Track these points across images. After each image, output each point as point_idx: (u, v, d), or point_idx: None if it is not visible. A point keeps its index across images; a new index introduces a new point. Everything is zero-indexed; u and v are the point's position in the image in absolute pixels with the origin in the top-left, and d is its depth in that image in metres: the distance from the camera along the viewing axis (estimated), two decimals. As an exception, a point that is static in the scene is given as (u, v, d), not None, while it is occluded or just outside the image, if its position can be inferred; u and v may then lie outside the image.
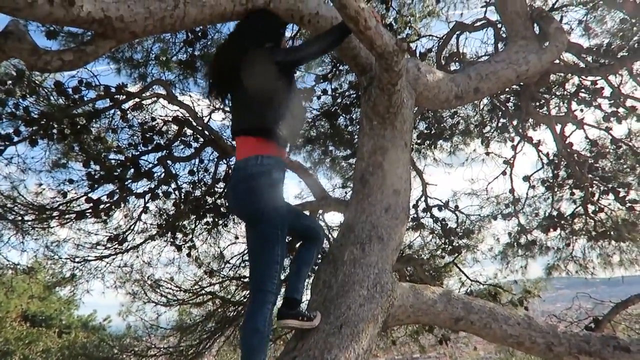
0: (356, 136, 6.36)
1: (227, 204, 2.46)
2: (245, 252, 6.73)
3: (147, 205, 5.58)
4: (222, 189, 5.99)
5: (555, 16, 4.77)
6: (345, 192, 7.11)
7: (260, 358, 2.24)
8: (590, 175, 5.82)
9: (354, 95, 6.32)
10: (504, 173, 6.58)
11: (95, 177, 5.07)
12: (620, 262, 6.52)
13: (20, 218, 4.98)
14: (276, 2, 2.78)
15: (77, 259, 5.68)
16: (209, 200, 5.94)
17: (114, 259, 5.88)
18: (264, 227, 2.39)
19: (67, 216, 5.28)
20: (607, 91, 5.37)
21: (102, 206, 5.22)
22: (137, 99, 5.16)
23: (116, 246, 5.78)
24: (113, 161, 5.25)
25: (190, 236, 6.14)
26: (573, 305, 6.45)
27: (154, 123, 5.39)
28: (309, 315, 2.48)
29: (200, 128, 5.32)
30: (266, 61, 2.49)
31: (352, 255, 2.79)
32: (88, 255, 5.67)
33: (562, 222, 6.33)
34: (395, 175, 3.07)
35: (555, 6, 5.49)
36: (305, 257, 2.67)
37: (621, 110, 5.43)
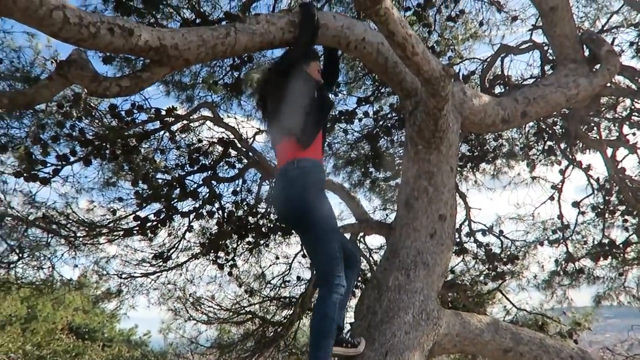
0: (397, 158, 6.33)
1: (275, 213, 2.57)
2: (286, 272, 6.77)
3: (192, 224, 5.70)
4: (264, 210, 6.06)
5: (606, 38, 4.64)
6: (386, 215, 7.06)
7: (329, 343, 2.27)
8: (644, 202, 5.57)
9: (395, 118, 6.32)
10: (551, 198, 6.38)
11: (143, 196, 5.24)
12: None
13: (72, 234, 5.19)
14: (324, 29, 2.83)
15: (123, 275, 5.85)
16: (251, 220, 6.02)
17: (158, 276, 6.02)
18: (314, 228, 2.49)
19: (115, 233, 5.46)
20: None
21: (148, 224, 5.37)
22: (185, 121, 5.33)
23: (160, 263, 5.92)
24: (160, 181, 5.42)
25: (232, 255, 6.23)
26: (624, 337, 6.13)
27: (200, 144, 5.54)
28: (353, 342, 2.47)
29: (244, 149, 5.43)
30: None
31: (397, 281, 2.76)
32: (134, 272, 5.84)
33: (614, 250, 6.05)
34: (441, 201, 3.03)
35: (605, 28, 5.36)
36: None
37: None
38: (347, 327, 2.81)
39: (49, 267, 5.55)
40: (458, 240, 6.58)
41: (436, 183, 3.06)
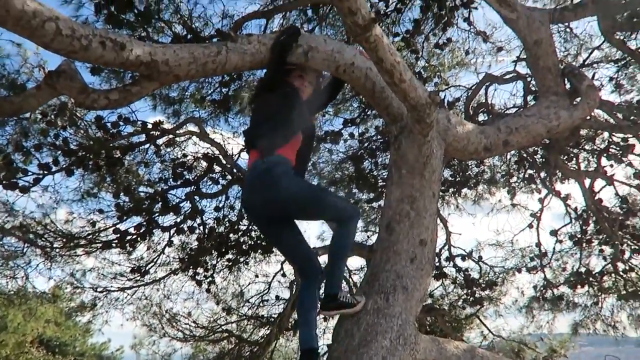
0: (380, 180, 6.38)
1: (249, 213, 2.65)
2: (264, 291, 6.71)
3: (172, 239, 5.65)
4: (245, 227, 6.04)
5: (587, 73, 4.79)
6: (368, 236, 7.08)
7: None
8: (620, 233, 5.68)
9: (380, 140, 6.39)
10: (530, 226, 6.48)
11: (124, 208, 5.18)
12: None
13: (49, 245, 5.09)
14: (314, 52, 2.88)
15: (99, 289, 5.74)
16: (232, 237, 5.98)
17: (135, 290, 5.92)
18: (304, 201, 2.69)
19: (93, 245, 5.37)
20: (639, 148, 5.31)
21: (128, 237, 5.30)
22: (170, 135, 5.32)
23: (138, 278, 5.83)
24: (142, 194, 5.37)
25: (211, 272, 6.17)
26: (599, 365, 6.18)
27: (185, 159, 5.53)
28: (351, 303, 2.70)
29: (229, 166, 5.43)
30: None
31: (375, 305, 2.77)
32: (110, 286, 5.73)
33: (590, 279, 6.15)
34: (422, 225, 3.06)
35: (586, 63, 5.53)
36: (338, 243, 2.82)
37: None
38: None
39: (23, 277, 5.43)
40: (438, 264, 6.62)
41: (418, 208, 3.10)
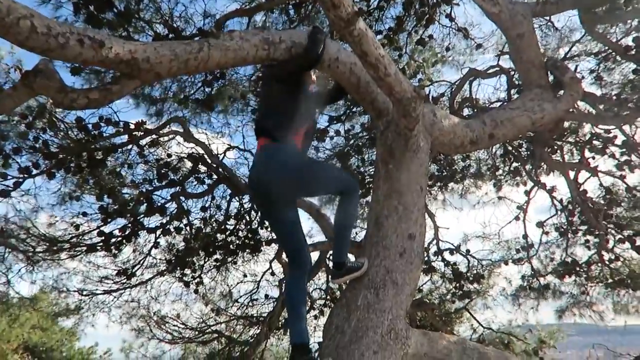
0: (367, 177, 6.38)
1: (257, 191, 2.72)
2: (254, 290, 6.68)
3: (158, 240, 5.58)
4: (233, 226, 5.99)
5: (569, 65, 4.83)
6: (356, 233, 7.07)
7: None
8: (604, 223, 5.75)
9: (367, 137, 6.38)
10: (517, 218, 6.53)
11: (109, 211, 5.10)
12: (636, 311, 6.35)
13: (32, 249, 4.99)
14: (298, 48, 2.85)
15: (84, 292, 5.65)
16: (220, 237, 5.93)
17: (121, 293, 5.84)
18: (310, 177, 2.84)
19: (77, 249, 5.29)
20: (620, 139, 5.37)
21: (113, 240, 5.23)
22: (154, 136, 5.25)
23: (124, 280, 5.75)
24: (127, 195, 5.29)
25: (199, 273, 6.11)
26: (585, 355, 6.25)
27: (169, 159, 5.46)
28: (357, 267, 2.86)
29: (214, 165, 5.38)
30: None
31: (365, 300, 2.75)
32: (96, 289, 5.65)
33: (577, 268, 6.21)
34: (411, 220, 3.05)
35: (568, 56, 5.58)
36: (343, 215, 2.96)
37: (634, 158, 5.42)
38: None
39: (4, 282, 5.32)
40: (426, 259, 6.64)
41: (406, 202, 3.09)
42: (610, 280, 5.99)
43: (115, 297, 5.97)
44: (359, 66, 2.94)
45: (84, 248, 5.26)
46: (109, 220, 5.20)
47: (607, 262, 5.90)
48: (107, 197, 5.11)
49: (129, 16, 4.44)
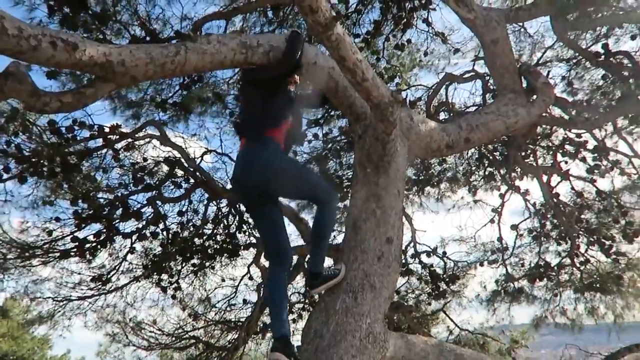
0: (346, 180, 6.40)
1: (240, 189, 2.84)
2: (232, 295, 6.63)
3: (134, 245, 5.49)
4: (210, 230, 5.94)
5: (542, 71, 4.94)
6: (334, 237, 7.08)
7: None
8: (576, 226, 5.89)
9: (345, 141, 6.41)
10: (492, 221, 6.63)
11: (83, 216, 5.00)
12: (606, 314, 6.50)
13: (2, 256, 4.86)
14: (276, 52, 2.85)
15: (58, 298, 5.53)
16: (197, 241, 5.87)
17: (96, 299, 5.73)
18: (290, 181, 2.83)
19: (51, 255, 5.16)
20: (592, 144, 5.52)
21: (87, 245, 5.12)
22: (130, 139, 5.17)
23: (99, 286, 5.64)
24: (102, 200, 5.20)
25: (176, 278, 6.03)
26: (559, 354, 6.38)
27: (145, 163, 5.38)
28: (334, 274, 2.86)
29: (191, 169, 5.32)
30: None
31: (344, 304, 2.76)
32: (70, 295, 5.52)
33: (549, 272, 6.33)
34: (388, 223, 3.08)
35: (540, 61, 5.71)
36: (319, 223, 2.96)
37: (605, 163, 5.57)
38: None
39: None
40: (404, 261, 6.69)
41: (384, 206, 3.11)
42: (580, 284, 6.11)
43: (90, 304, 5.84)
44: (337, 70, 2.95)
45: (57, 254, 5.14)
46: (84, 225, 5.09)
47: (578, 266, 6.04)
48: (81, 202, 5.01)
49: (105, 18, 4.37)
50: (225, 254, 6.06)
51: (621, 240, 5.65)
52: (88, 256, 5.31)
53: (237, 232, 6.02)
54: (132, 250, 5.56)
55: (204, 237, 5.93)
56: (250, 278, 6.39)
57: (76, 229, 5.08)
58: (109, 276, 5.62)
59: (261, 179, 2.77)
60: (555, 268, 6.24)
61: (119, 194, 5.22)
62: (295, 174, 2.92)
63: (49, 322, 5.99)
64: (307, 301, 6.71)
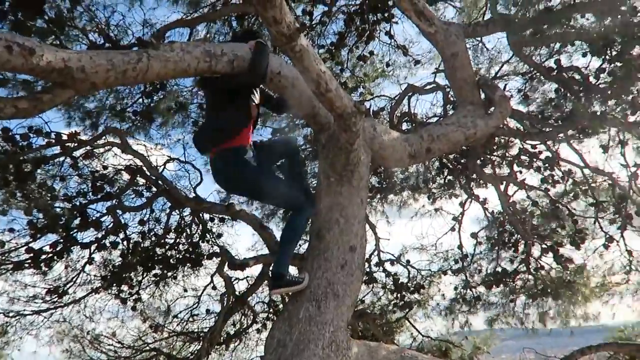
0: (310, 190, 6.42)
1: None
2: (194, 305, 6.53)
3: (93, 256, 5.33)
4: (173, 240, 5.83)
5: (499, 84, 5.13)
6: (299, 245, 7.07)
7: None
8: (531, 234, 6.09)
9: (309, 149, 6.44)
10: (452, 229, 6.79)
11: (38, 226, 4.83)
12: (556, 318, 6.74)
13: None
14: (240, 61, 2.86)
15: (10, 313, 5.29)
16: (159, 251, 5.76)
17: (52, 313, 5.52)
18: (261, 190, 3.04)
19: (3, 267, 4.95)
20: (545, 155, 5.74)
21: (43, 257, 4.94)
22: (89, 147, 5.03)
23: (55, 299, 5.44)
24: (59, 209, 5.03)
25: (137, 289, 5.89)
26: (517, 359, 6.55)
27: (105, 171, 5.25)
28: (297, 281, 2.90)
29: (153, 177, 5.22)
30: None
31: (307, 313, 2.77)
32: (24, 309, 5.30)
33: (505, 279, 6.51)
34: (352, 232, 3.11)
35: (498, 75, 5.93)
36: (287, 229, 3.14)
37: (557, 172, 5.81)
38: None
39: None
40: (368, 270, 6.76)
41: (347, 215, 3.15)
42: (534, 290, 6.33)
43: (45, 318, 5.63)
44: (302, 80, 2.98)
45: (11, 266, 4.93)
46: (39, 235, 4.91)
47: (532, 272, 6.25)
48: (36, 212, 4.83)
49: (61, 24, 4.26)
50: (187, 264, 5.96)
51: (571, 246, 5.89)
52: (43, 268, 5.11)
53: (200, 242, 5.94)
54: (90, 261, 5.39)
55: (166, 247, 5.82)
56: (214, 288, 6.30)
57: (31, 240, 4.90)
58: (65, 288, 5.43)
59: (229, 187, 3.13)
60: (511, 274, 6.43)
61: (77, 203, 5.07)
62: (258, 185, 3.01)
63: (1, 338, 5.73)
64: (271, 310, 6.67)
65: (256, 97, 3.16)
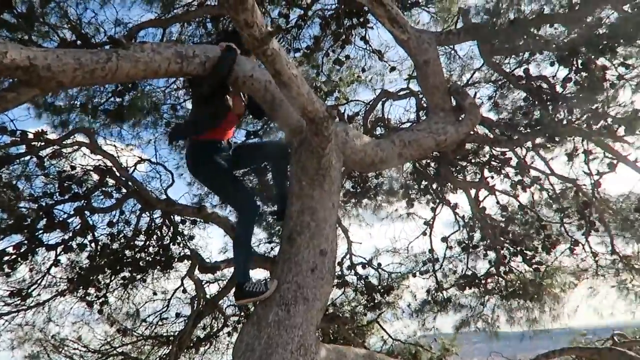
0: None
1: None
2: (164, 309, 6.44)
3: (59, 258, 5.21)
4: (143, 242, 5.74)
5: (470, 91, 5.22)
6: (271, 248, 7.06)
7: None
8: (501, 238, 6.22)
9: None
10: (424, 233, 6.87)
11: (2, 226, 4.69)
12: (525, 320, 6.89)
13: None
14: (212, 62, 2.84)
15: (-31, 317, 5.12)
16: (128, 253, 5.66)
17: (14, 316, 5.36)
18: (218, 187, 3.49)
19: (-37, 269, 4.79)
20: (514, 161, 5.87)
21: (6, 258, 4.80)
22: (56, 146, 4.91)
23: (18, 302, 5.28)
24: (24, 210, 4.89)
25: (104, 292, 5.77)
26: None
27: (73, 172, 5.13)
28: (260, 291, 2.92)
29: (123, 178, 5.13)
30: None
31: (276, 317, 2.77)
32: (-17, 313, 5.14)
33: (476, 281, 6.64)
34: (322, 236, 3.12)
35: (469, 82, 6.04)
36: (236, 232, 3.40)
37: (526, 179, 5.94)
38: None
39: None
40: (339, 273, 6.78)
41: (318, 219, 3.16)
42: (504, 292, 6.46)
43: (7, 321, 5.45)
44: (274, 84, 2.98)
45: (-29, 268, 4.78)
46: (2, 236, 4.77)
47: (503, 275, 6.37)
48: (0, 212, 4.69)
49: (31, 19, 4.16)
50: (157, 267, 5.87)
51: (541, 251, 6.04)
52: (6, 269, 4.96)
53: (171, 244, 5.86)
54: (56, 262, 5.26)
55: (136, 249, 5.72)
56: (184, 291, 6.23)
57: (-7, 241, 4.76)
58: (29, 291, 5.29)
59: (194, 174, 3.48)
60: (482, 277, 6.55)
61: (43, 204, 4.94)
62: (212, 181, 3.38)
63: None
64: (242, 314, 6.63)
65: (233, 99, 3.32)
